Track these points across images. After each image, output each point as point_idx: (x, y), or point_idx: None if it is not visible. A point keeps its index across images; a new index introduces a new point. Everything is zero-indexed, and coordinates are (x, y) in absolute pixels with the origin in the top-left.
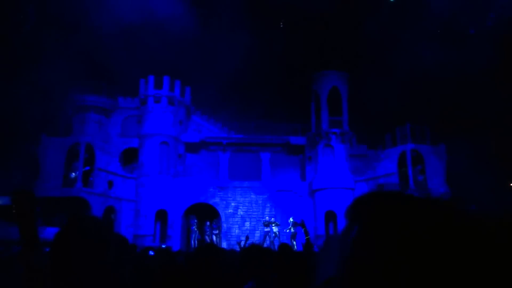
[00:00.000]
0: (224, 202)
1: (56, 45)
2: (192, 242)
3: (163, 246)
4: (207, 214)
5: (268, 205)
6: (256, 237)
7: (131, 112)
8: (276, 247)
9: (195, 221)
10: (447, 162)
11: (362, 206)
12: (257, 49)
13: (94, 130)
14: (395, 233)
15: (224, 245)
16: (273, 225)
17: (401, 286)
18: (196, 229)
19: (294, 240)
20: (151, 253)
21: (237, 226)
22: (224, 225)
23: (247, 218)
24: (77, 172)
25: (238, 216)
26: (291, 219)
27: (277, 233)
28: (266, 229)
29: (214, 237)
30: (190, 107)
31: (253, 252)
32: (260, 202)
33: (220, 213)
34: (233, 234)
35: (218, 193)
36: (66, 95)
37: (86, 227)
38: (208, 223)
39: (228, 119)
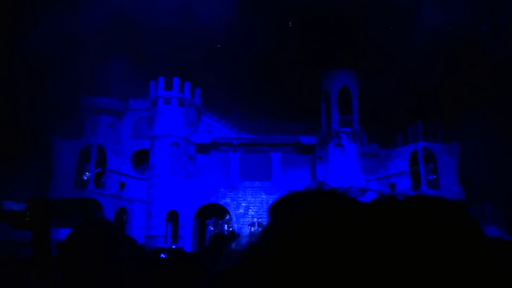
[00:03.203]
0: (235, 202)
1: (68, 48)
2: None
3: (173, 246)
4: (218, 215)
5: None
6: None
7: (142, 114)
8: None
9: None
10: (459, 160)
11: (274, 204)
12: (266, 50)
13: (105, 132)
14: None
15: (234, 245)
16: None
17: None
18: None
19: None
20: (163, 256)
21: (247, 226)
22: (235, 225)
23: (257, 218)
24: (89, 174)
25: (249, 216)
26: None
27: None
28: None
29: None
30: (200, 108)
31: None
32: (271, 202)
33: (231, 213)
34: (244, 234)
35: (229, 193)
36: (78, 98)
37: (96, 229)
38: (223, 221)
39: (238, 120)
